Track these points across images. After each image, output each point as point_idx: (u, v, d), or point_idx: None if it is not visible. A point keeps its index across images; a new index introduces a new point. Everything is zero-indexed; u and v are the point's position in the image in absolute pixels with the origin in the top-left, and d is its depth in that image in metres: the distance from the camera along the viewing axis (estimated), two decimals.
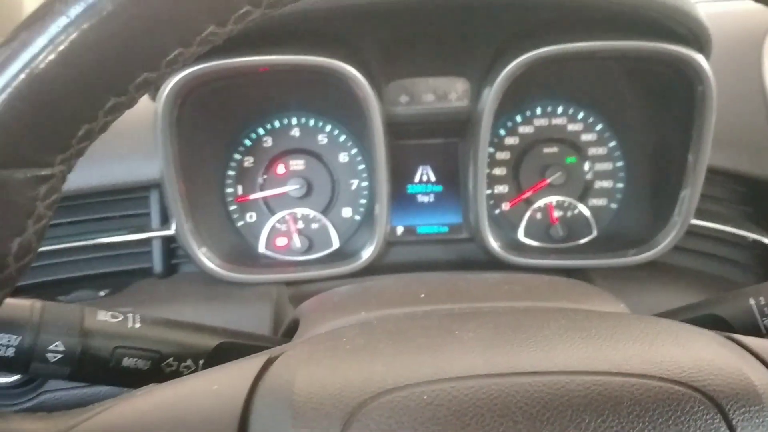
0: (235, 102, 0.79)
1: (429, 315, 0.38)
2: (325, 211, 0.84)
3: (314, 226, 0.84)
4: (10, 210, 0.26)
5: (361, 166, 0.85)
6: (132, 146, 0.75)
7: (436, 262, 0.84)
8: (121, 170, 0.75)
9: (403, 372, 0.31)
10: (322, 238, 0.84)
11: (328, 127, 0.84)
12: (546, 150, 0.84)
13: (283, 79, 0.77)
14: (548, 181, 0.83)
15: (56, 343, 0.40)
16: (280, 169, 0.83)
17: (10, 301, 0.39)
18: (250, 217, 0.83)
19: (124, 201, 0.76)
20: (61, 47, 0.25)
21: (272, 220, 0.83)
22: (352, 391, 0.30)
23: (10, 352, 0.38)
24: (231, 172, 0.83)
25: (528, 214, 0.84)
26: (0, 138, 0.26)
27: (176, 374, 0.44)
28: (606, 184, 0.85)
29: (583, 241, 0.84)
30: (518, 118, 0.85)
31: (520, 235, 0.85)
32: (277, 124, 0.84)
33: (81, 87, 0.26)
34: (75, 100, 0.26)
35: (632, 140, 0.84)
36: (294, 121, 0.84)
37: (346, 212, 0.85)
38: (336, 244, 0.84)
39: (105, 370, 0.41)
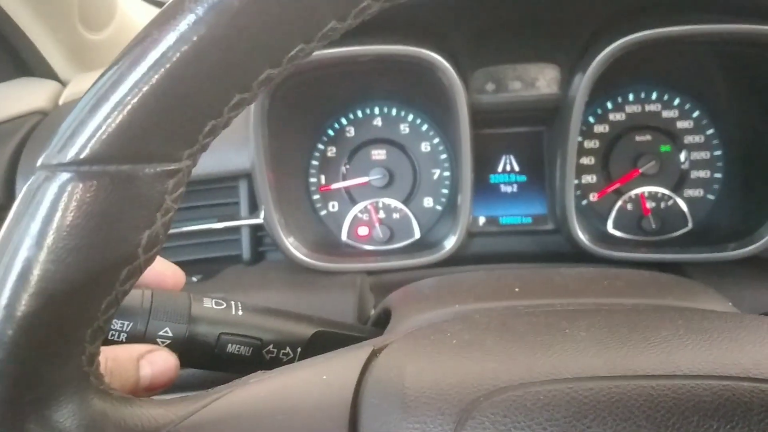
0: (319, 92, 0.80)
1: (533, 311, 0.37)
2: (406, 201, 0.84)
3: (395, 215, 0.84)
4: (141, 203, 0.27)
5: (443, 156, 0.84)
6: (223, 139, 0.77)
7: (519, 253, 0.82)
8: (212, 162, 0.77)
9: (516, 370, 0.30)
10: (403, 228, 0.84)
11: (411, 117, 0.84)
12: (638, 138, 0.81)
13: (367, 69, 0.77)
14: (640, 170, 0.79)
15: (165, 329, 0.42)
16: (362, 158, 0.84)
17: None
18: (333, 206, 0.84)
19: (215, 190, 0.78)
20: (191, 44, 0.26)
21: (354, 210, 0.83)
22: (464, 388, 0.29)
23: (123, 337, 0.40)
24: (315, 162, 0.84)
25: (618, 205, 0.81)
26: (132, 134, 0.26)
27: (276, 361, 0.45)
28: (703, 174, 0.81)
29: (677, 233, 0.80)
30: (609, 105, 0.81)
31: (609, 226, 0.81)
32: (359, 113, 0.84)
33: (209, 84, 0.27)
34: (203, 97, 0.27)
35: (730, 128, 0.79)
36: (376, 110, 0.84)
37: (428, 202, 0.84)
38: (417, 234, 0.83)
39: (210, 355, 0.43)
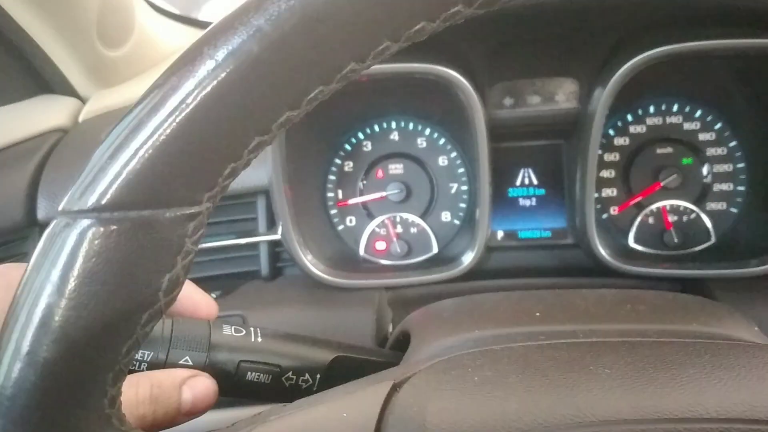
0: (336, 108, 0.80)
1: (556, 344, 0.37)
2: (424, 216, 0.83)
3: (413, 230, 0.83)
4: (161, 248, 0.27)
5: (461, 170, 0.83)
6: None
7: (538, 268, 0.81)
8: None
9: (538, 412, 0.29)
10: (421, 243, 0.83)
11: (428, 131, 0.83)
12: (659, 150, 0.79)
13: (385, 84, 0.77)
14: (662, 183, 0.78)
15: (185, 358, 0.42)
16: (380, 173, 0.84)
17: None
18: (350, 221, 0.84)
19: (234, 206, 0.79)
20: (210, 90, 0.26)
21: (372, 225, 0.83)
22: (486, 431, 0.29)
23: (143, 367, 0.40)
24: (332, 177, 0.84)
25: (639, 219, 0.80)
26: (152, 180, 0.26)
27: (295, 388, 0.45)
28: (726, 187, 0.79)
29: (699, 248, 0.79)
30: (629, 117, 0.80)
31: (631, 241, 0.80)
32: (376, 128, 0.84)
33: (228, 128, 0.27)
34: (222, 141, 0.27)
35: (753, 140, 0.78)
36: (393, 125, 0.84)
37: (446, 216, 0.84)
38: (435, 248, 0.83)
39: (230, 383, 0.43)
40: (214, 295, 0.76)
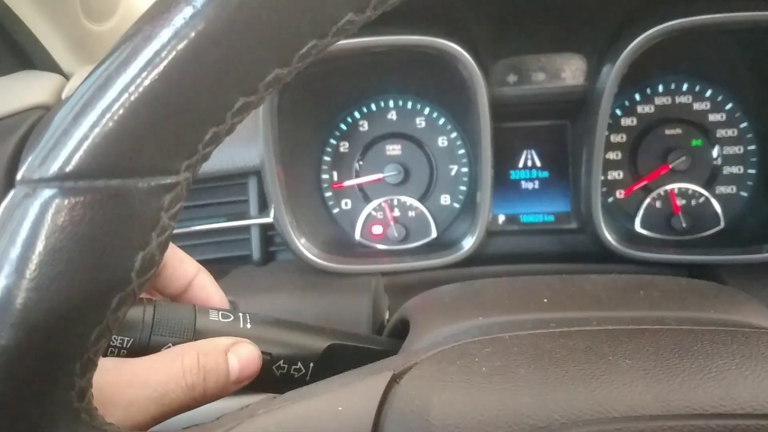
0: (331, 85, 0.77)
1: (569, 332, 0.34)
2: (422, 199, 0.80)
3: (411, 214, 0.80)
4: (134, 223, 0.24)
5: (461, 151, 0.80)
6: (232, 134, 0.74)
7: (540, 253, 0.78)
8: (220, 158, 0.74)
9: (555, 407, 0.27)
10: (419, 227, 0.80)
11: (427, 110, 0.80)
12: (668, 132, 0.76)
13: (382, 60, 0.74)
14: (670, 166, 0.75)
15: (167, 345, 0.39)
16: (377, 154, 0.80)
17: None
18: (346, 204, 0.81)
19: (224, 188, 0.76)
20: (188, 41, 0.23)
21: (368, 208, 0.80)
22: (498, 427, 0.26)
23: (123, 353, 0.37)
24: (327, 158, 0.81)
25: (646, 202, 0.77)
26: (122, 144, 0.23)
27: (287, 377, 0.42)
28: (736, 169, 0.77)
29: (708, 233, 0.76)
30: (637, 97, 0.77)
31: (637, 225, 0.78)
32: (373, 107, 0.80)
33: (209, 86, 0.24)
34: (202, 101, 0.24)
35: (764, 121, 0.75)
36: (391, 103, 0.80)
37: (445, 200, 0.81)
38: (434, 233, 0.80)
39: None
40: None
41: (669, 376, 0.28)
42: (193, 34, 0.23)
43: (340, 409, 0.30)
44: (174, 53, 0.23)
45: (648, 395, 0.27)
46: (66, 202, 0.23)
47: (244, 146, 0.72)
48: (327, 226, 0.80)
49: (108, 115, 0.23)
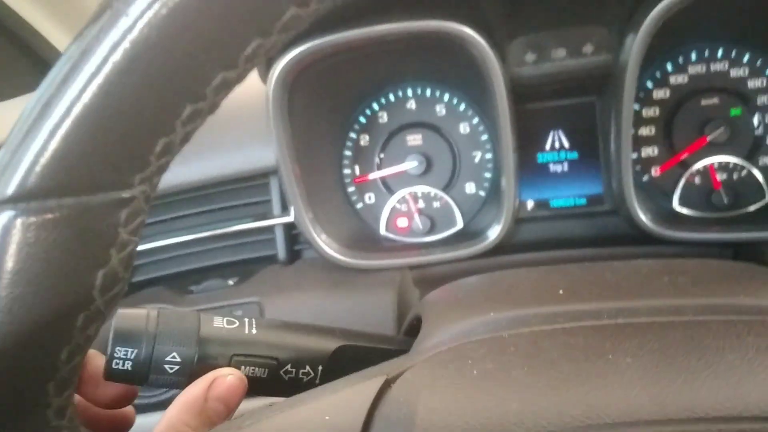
0: (347, 78, 0.75)
1: (572, 328, 0.32)
2: (446, 188, 0.78)
3: (436, 204, 0.78)
4: (90, 240, 0.24)
5: (484, 137, 0.78)
6: (250, 133, 0.74)
7: (573, 238, 0.75)
8: (240, 158, 0.74)
9: (543, 412, 0.25)
10: (444, 218, 0.78)
11: (446, 97, 0.78)
12: (704, 102, 0.72)
13: (396, 49, 0.72)
14: (708, 138, 0.71)
15: (172, 354, 0.39)
16: (398, 145, 0.79)
17: (125, 311, 0.38)
18: (369, 198, 0.80)
19: (246, 189, 0.76)
20: (123, 52, 0.22)
21: (392, 201, 0.79)
22: None
23: (128, 365, 0.38)
24: (347, 152, 0.80)
25: (684, 179, 0.73)
26: (70, 163, 0.23)
27: (296, 381, 0.41)
28: None
29: (752, 208, 0.71)
30: (669, 67, 0.72)
31: (675, 204, 0.73)
32: (392, 97, 0.78)
33: (151, 96, 0.23)
34: (147, 112, 0.23)
35: None
36: (409, 92, 0.78)
37: (470, 188, 0.78)
38: (460, 223, 0.78)
39: None
40: (231, 282, 0.74)
41: (671, 375, 0.26)
42: (128, 45, 0.22)
43: (327, 418, 0.29)
44: (111, 65, 0.22)
45: (645, 398, 0.24)
46: (19, 223, 0.23)
47: (263, 145, 0.72)
48: (351, 222, 0.79)
49: (53, 135, 0.23)
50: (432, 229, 0.78)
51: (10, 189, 0.23)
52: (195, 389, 0.37)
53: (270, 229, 0.76)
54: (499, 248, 0.72)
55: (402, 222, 0.79)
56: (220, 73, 0.23)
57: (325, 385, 0.33)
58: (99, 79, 0.22)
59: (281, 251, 0.76)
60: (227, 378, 0.38)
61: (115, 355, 0.38)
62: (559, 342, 0.30)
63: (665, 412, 0.24)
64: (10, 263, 0.23)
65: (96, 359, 0.39)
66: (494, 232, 0.71)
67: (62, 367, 0.25)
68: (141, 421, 0.42)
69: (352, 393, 0.31)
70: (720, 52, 0.71)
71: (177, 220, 0.76)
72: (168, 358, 0.39)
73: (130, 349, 0.38)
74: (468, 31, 0.63)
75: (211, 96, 0.24)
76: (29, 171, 0.23)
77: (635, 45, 0.63)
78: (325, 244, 0.71)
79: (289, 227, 0.76)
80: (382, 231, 0.79)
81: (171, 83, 0.23)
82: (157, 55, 0.22)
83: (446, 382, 0.29)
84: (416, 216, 0.78)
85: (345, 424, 0.28)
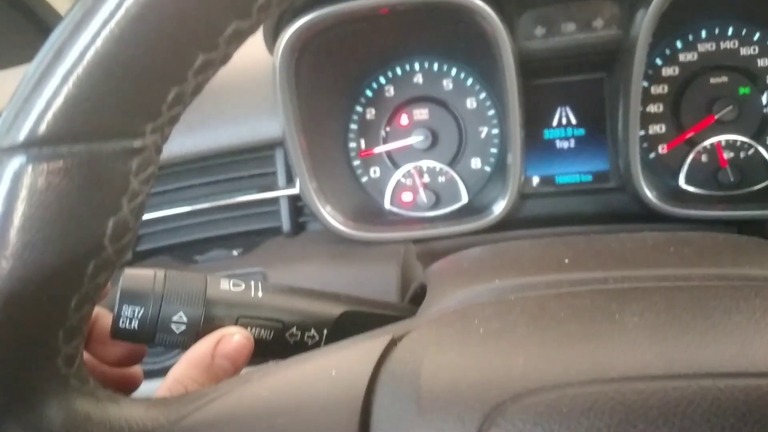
0: (354, 50, 0.75)
1: (579, 291, 0.32)
2: (452, 163, 0.78)
3: (441, 179, 0.78)
4: (101, 187, 0.24)
5: (491, 112, 0.77)
6: (256, 104, 0.74)
7: (578, 215, 0.75)
8: (246, 129, 0.74)
9: (549, 368, 0.25)
10: (449, 192, 0.78)
11: (454, 71, 0.77)
12: (713, 80, 0.71)
13: (404, 20, 0.71)
14: (716, 117, 0.70)
15: (179, 314, 0.39)
16: (404, 119, 0.78)
17: (132, 271, 0.39)
18: (374, 172, 0.80)
19: (252, 160, 0.76)
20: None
21: (397, 175, 0.78)
22: (488, 390, 0.25)
23: (135, 324, 0.38)
24: (353, 126, 0.79)
25: (691, 156, 0.72)
26: (83, 109, 0.23)
27: (300, 344, 0.42)
28: None
29: (758, 186, 0.71)
30: (678, 44, 0.72)
31: (681, 181, 0.73)
32: (398, 71, 0.78)
33: (164, 43, 0.23)
34: (159, 59, 0.23)
35: None
36: (416, 66, 0.78)
37: (475, 163, 0.78)
38: (465, 198, 0.78)
39: None
40: (235, 253, 0.74)
41: (678, 333, 0.26)
42: None
43: (333, 373, 0.29)
44: (124, 11, 0.22)
45: (651, 354, 0.25)
46: (31, 169, 0.23)
47: (269, 117, 0.72)
48: (356, 195, 0.79)
49: (66, 80, 0.23)
50: (437, 204, 0.78)
51: (22, 135, 0.23)
52: (202, 346, 0.37)
53: (275, 200, 0.76)
54: (504, 223, 0.72)
55: (407, 196, 0.79)
56: (233, 21, 0.23)
57: (333, 344, 0.33)
58: (112, 25, 0.22)
59: (286, 223, 0.76)
60: (234, 337, 0.38)
61: (122, 313, 0.38)
62: (566, 304, 0.30)
63: (671, 367, 0.24)
64: (21, 209, 0.23)
65: (104, 318, 0.39)
66: (499, 207, 0.71)
67: (72, 315, 0.25)
68: (148, 386, 0.42)
69: (358, 351, 0.31)
70: (730, 31, 0.71)
71: (182, 190, 0.76)
72: (174, 318, 0.39)
73: (137, 308, 0.38)
74: (478, 2, 0.63)
75: (224, 46, 0.24)
76: (41, 117, 0.23)
77: (645, 20, 0.62)
78: (329, 216, 0.71)
79: (294, 199, 0.76)
80: (387, 205, 0.79)
81: (184, 31, 0.23)
82: (171, 1, 0.22)
83: (452, 339, 0.29)
84: (421, 190, 0.78)
85: (351, 379, 0.28)
